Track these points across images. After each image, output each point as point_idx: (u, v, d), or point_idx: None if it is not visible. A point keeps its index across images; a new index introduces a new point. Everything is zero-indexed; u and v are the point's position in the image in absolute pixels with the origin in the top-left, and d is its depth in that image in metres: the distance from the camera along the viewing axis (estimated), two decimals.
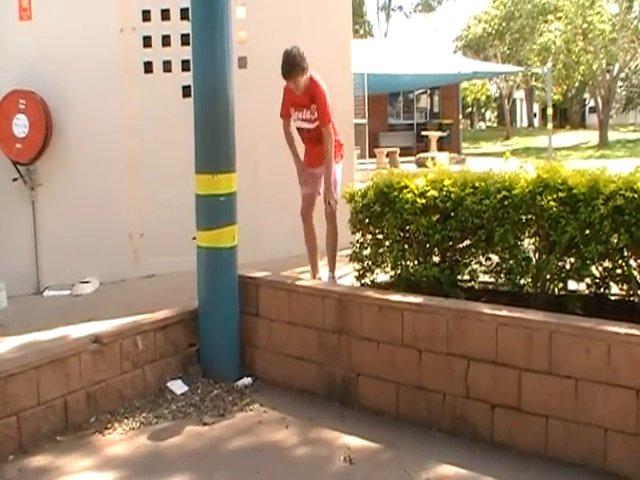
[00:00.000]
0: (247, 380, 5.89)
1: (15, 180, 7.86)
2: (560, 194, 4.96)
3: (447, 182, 5.49)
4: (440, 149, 26.17)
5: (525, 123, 60.19)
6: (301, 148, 6.69)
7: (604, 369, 4.29)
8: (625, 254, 4.95)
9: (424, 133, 28.45)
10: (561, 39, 32.47)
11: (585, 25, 31.27)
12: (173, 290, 6.76)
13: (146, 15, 8.12)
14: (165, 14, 8.04)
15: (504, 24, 38.19)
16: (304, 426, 5.16)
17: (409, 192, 5.52)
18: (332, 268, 6.57)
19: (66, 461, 4.77)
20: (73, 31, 7.92)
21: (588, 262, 4.98)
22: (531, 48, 35.99)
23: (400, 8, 55.54)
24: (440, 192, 5.45)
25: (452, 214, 5.40)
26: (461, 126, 37.34)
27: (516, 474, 4.39)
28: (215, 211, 5.76)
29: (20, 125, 7.75)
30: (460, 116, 36.84)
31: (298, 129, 6.53)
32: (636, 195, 4.73)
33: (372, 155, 22.40)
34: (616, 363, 4.25)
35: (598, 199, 4.80)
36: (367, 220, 5.84)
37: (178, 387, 5.80)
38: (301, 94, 6.27)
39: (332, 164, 6.30)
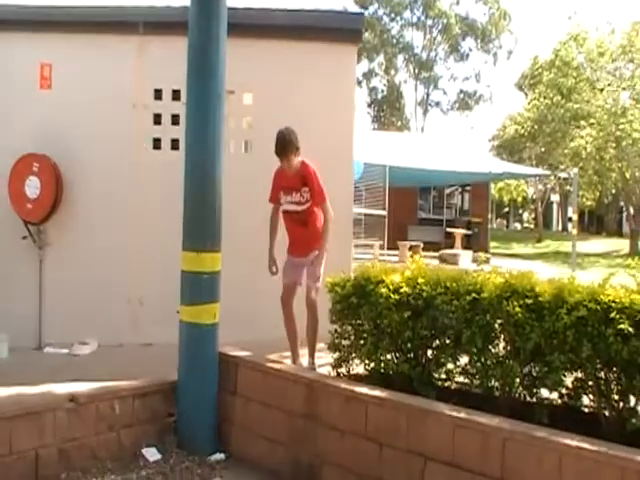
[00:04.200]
0: (220, 456, 5.97)
1: (24, 238, 8.15)
2: (527, 300, 5.01)
3: (421, 280, 5.58)
4: (467, 247, 26.23)
5: (560, 227, 60.10)
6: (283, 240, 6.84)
7: None
8: (596, 365, 4.90)
9: (449, 230, 28.61)
10: (592, 145, 32.39)
11: (618, 133, 31.25)
12: (165, 360, 6.87)
13: (158, 94, 8.49)
14: (176, 94, 8.39)
15: (536, 127, 38.27)
16: None
17: (384, 287, 5.64)
18: (312, 354, 6.68)
19: None
20: (88, 102, 8.36)
21: (553, 371, 4.95)
22: (563, 152, 35.98)
23: (437, 104, 56.41)
24: (413, 289, 5.55)
25: (423, 312, 5.49)
26: (495, 225, 37.31)
27: None
28: (198, 288, 5.95)
29: (32, 186, 8.13)
30: (492, 215, 36.90)
31: (285, 212, 6.67)
32: (599, 307, 4.72)
33: (396, 247, 22.50)
34: (567, 475, 4.23)
35: (562, 308, 4.83)
36: (345, 311, 5.95)
37: (152, 454, 5.91)
38: (292, 176, 6.48)
39: (326, 244, 6.57)
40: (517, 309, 4.99)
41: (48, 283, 8.35)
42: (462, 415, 4.76)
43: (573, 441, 4.30)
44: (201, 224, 5.96)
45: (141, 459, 5.85)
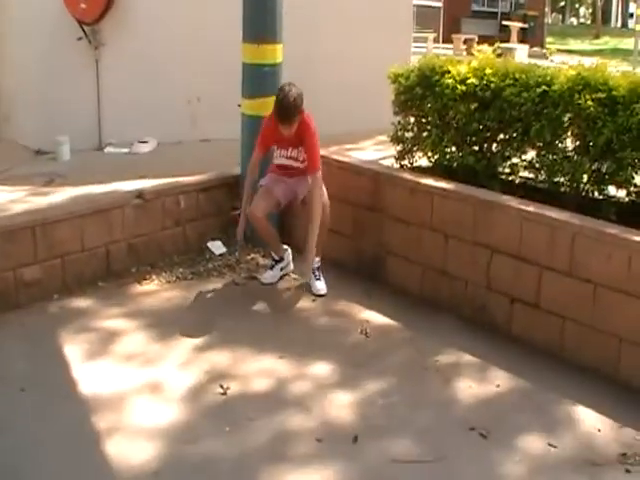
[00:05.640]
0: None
1: (80, 39, 8.01)
2: (599, 94, 4.84)
3: (488, 71, 5.43)
4: (522, 41, 25.37)
5: (619, 23, 57.64)
6: None
7: (624, 278, 4.23)
8: None
9: (505, 23, 27.58)
10: None
11: None
12: (225, 156, 6.87)
13: None
14: None
15: None
16: (330, 297, 5.36)
17: (450, 78, 5.51)
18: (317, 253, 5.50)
19: (103, 305, 5.12)
20: None
21: (624, 168, 4.85)
22: None
23: None
24: (480, 81, 5.40)
25: (491, 104, 5.37)
26: (550, 20, 35.81)
27: (527, 369, 4.43)
28: (259, 81, 5.86)
29: None
30: (549, 9, 35.29)
31: (279, 165, 5.60)
32: None
33: (449, 41, 21.84)
34: (636, 273, 4.18)
35: (638, 103, 4.66)
36: (409, 102, 5.84)
37: (217, 248, 6.06)
38: (289, 132, 5.29)
39: (319, 220, 5.23)
40: (589, 103, 4.84)
41: (105, 84, 8.24)
42: (530, 209, 4.73)
43: None
44: (262, 14, 5.75)
45: (207, 252, 6.01)
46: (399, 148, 6.08)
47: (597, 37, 42.10)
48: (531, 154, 5.45)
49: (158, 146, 8.28)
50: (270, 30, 5.77)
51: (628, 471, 3.52)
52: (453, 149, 5.69)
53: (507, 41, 24.52)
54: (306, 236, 5.24)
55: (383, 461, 3.55)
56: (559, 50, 29.75)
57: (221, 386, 4.10)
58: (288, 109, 5.10)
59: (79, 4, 7.89)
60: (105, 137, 8.31)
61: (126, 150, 8.15)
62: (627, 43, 35.73)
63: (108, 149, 8.22)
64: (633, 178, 4.96)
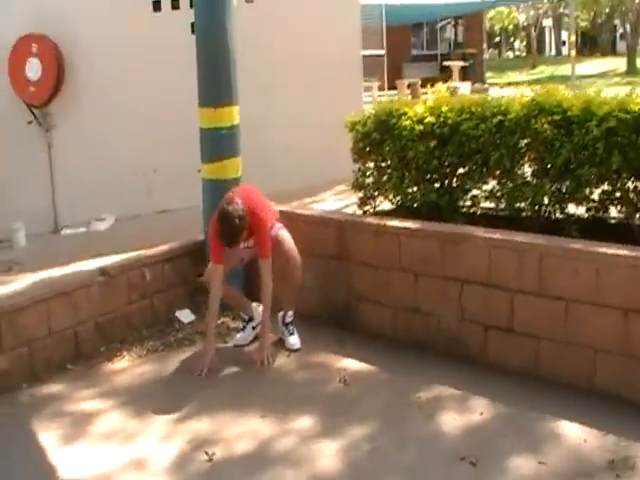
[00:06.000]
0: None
1: (30, 122, 7.96)
2: (555, 117, 4.94)
3: (445, 108, 5.52)
4: (464, 79, 25.88)
5: (554, 52, 59.08)
6: None
7: (593, 290, 4.29)
8: (623, 176, 4.90)
9: (446, 63, 28.14)
10: None
11: None
12: (185, 224, 6.82)
13: None
14: None
15: None
16: (305, 350, 5.30)
17: (407, 119, 5.58)
18: (288, 308, 5.54)
19: (75, 388, 4.95)
20: None
21: (583, 185, 4.95)
22: None
23: None
24: (437, 118, 5.48)
25: (449, 140, 5.43)
26: (488, 56, 36.63)
27: (507, 394, 4.45)
28: (216, 144, 5.85)
29: (33, 68, 7.84)
30: (485, 46, 36.12)
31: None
32: (629, 116, 4.66)
33: (394, 87, 22.15)
34: (605, 284, 4.25)
35: (592, 121, 4.76)
36: (367, 148, 5.90)
37: (186, 316, 5.97)
38: None
39: (270, 306, 5.19)
40: (546, 126, 4.93)
41: (58, 165, 8.16)
42: (497, 236, 4.77)
43: (609, 249, 4.31)
44: (216, 78, 5.77)
45: (176, 322, 5.93)
46: (360, 194, 6.11)
47: (534, 67, 43.22)
48: (491, 184, 5.49)
49: (116, 222, 8.20)
50: (226, 92, 5.78)
51: (618, 476, 3.55)
52: (414, 189, 5.72)
53: (449, 80, 25.01)
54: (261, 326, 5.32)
55: None
56: (501, 83, 30.48)
57: (206, 453, 3.98)
58: (232, 234, 4.93)
59: (28, 87, 7.87)
60: (61, 218, 8.22)
61: (83, 229, 8.07)
62: (563, 70, 36.62)
63: (65, 231, 8.13)
64: (592, 194, 5.05)
